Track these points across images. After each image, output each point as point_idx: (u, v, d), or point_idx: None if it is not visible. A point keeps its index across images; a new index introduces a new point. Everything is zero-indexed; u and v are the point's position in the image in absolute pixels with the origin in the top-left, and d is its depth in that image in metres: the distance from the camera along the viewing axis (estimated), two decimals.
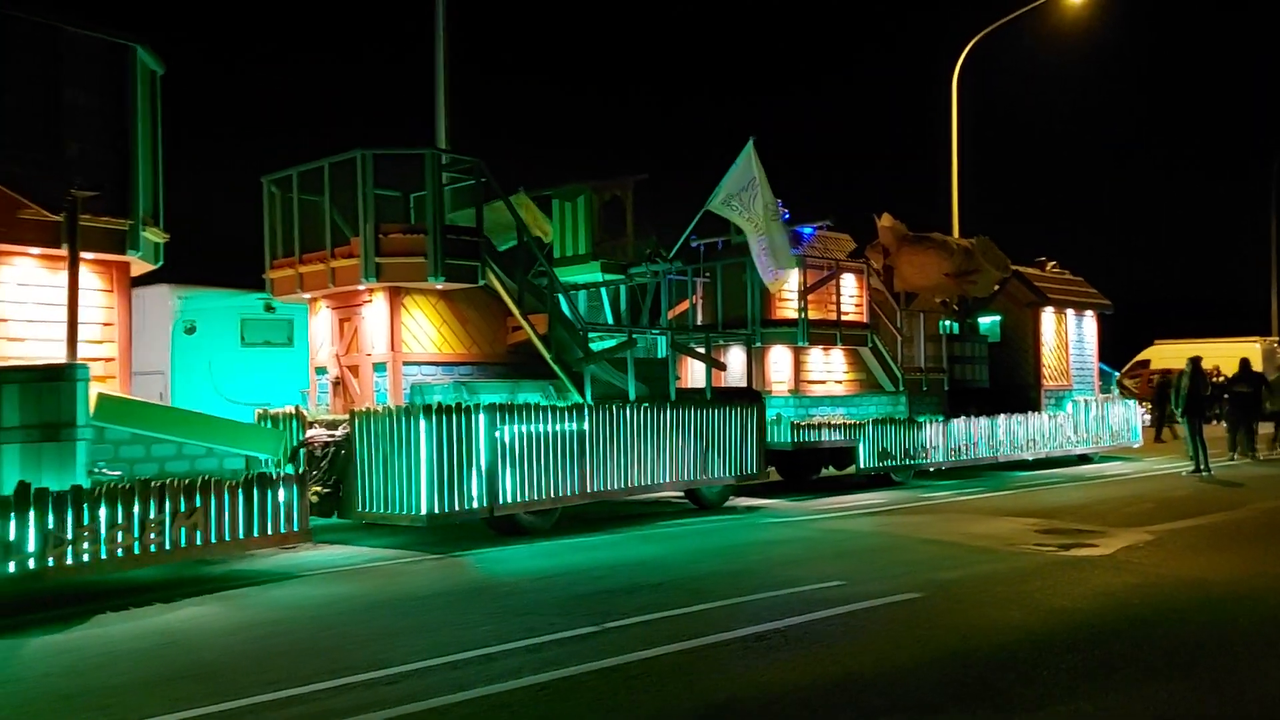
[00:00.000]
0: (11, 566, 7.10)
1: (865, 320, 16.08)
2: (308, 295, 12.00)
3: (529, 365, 12.22)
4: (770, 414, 14.23)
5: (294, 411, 11.73)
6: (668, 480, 12.45)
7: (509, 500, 10.92)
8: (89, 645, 6.48)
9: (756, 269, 14.32)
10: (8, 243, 7.68)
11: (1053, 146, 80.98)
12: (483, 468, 10.68)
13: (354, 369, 11.79)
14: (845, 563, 8.90)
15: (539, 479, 11.17)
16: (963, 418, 16.67)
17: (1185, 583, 7.85)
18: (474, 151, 11.84)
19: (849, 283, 16.00)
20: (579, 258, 14.18)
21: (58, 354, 8.12)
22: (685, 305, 15.87)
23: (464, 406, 10.61)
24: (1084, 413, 19.42)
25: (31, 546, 7.20)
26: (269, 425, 11.41)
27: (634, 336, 12.72)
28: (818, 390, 15.72)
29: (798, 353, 15.38)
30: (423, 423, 10.27)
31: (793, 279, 14.93)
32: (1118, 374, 27.43)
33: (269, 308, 14.53)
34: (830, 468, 16.21)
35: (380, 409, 10.70)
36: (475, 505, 10.62)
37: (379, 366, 11.51)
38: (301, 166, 11.60)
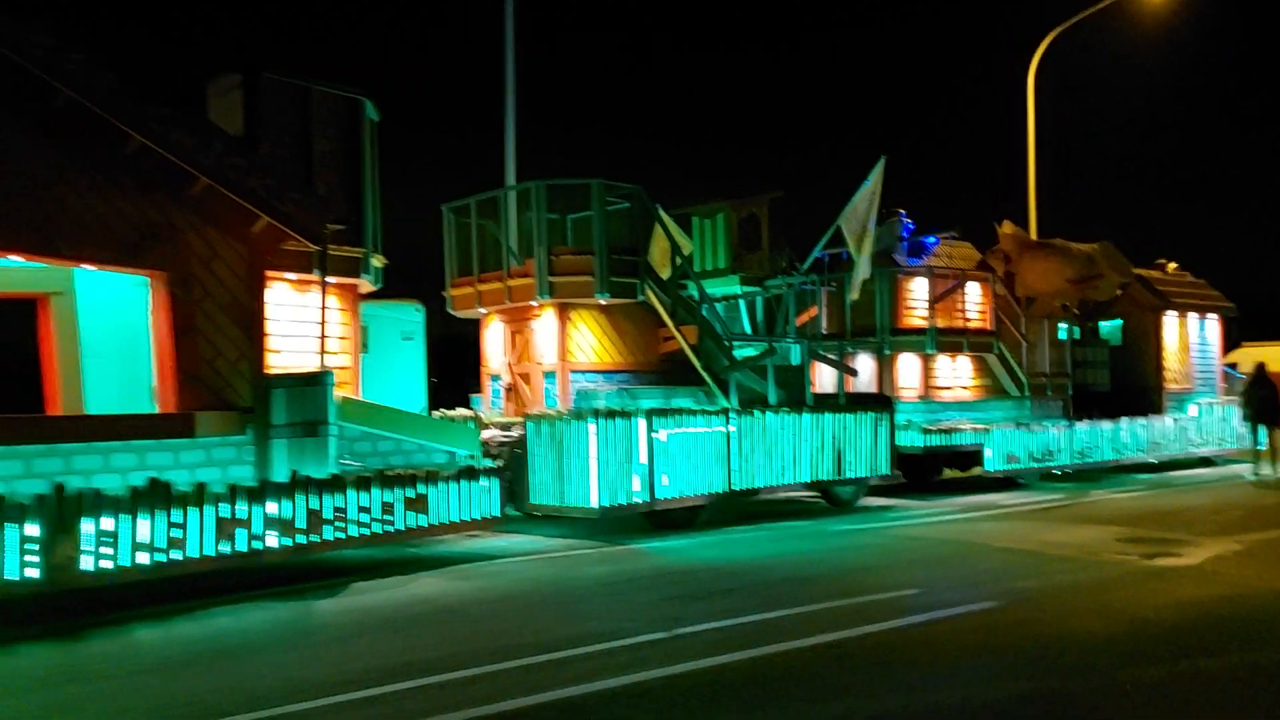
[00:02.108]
0: (290, 541, 8.50)
1: (990, 327, 16.75)
2: (484, 310, 13.38)
3: (678, 372, 13.35)
4: (899, 419, 15.03)
5: (471, 414, 13.09)
6: (805, 480, 13.39)
7: (665, 496, 12.01)
8: (365, 608, 7.83)
9: (874, 278, 15.16)
10: (273, 269, 9.14)
11: (1141, 139, 78.40)
12: (643, 466, 11.80)
13: (525, 376, 13.11)
14: (936, 569, 9.01)
15: (691, 477, 12.23)
16: (1085, 421, 17.17)
17: (1278, 595, 7.63)
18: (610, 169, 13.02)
19: (974, 291, 16.70)
20: (718, 271, 15.29)
21: (305, 363, 9.58)
22: (812, 313, 16.78)
23: (626, 411, 11.75)
24: (1206, 416, 19.62)
25: (300, 524, 8.60)
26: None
27: (774, 345, 13.72)
28: (945, 395, 16.45)
29: (925, 359, 16.15)
30: (591, 425, 11.43)
31: (921, 288, 15.73)
32: (1243, 375, 27.16)
33: None
34: (955, 470, 16.88)
35: (552, 413, 11.93)
36: (637, 500, 11.74)
37: (549, 374, 12.78)
38: (479, 196, 13.00)
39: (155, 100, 8.07)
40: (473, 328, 14.55)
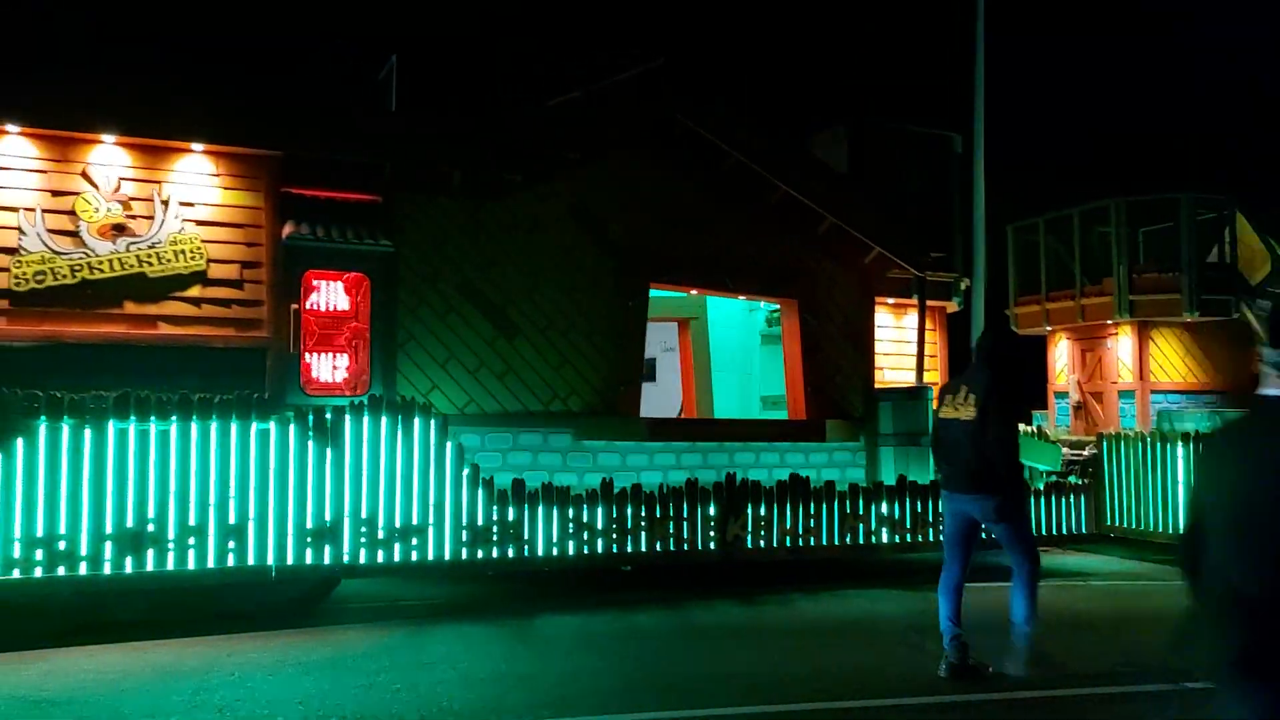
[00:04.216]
0: (897, 538, 9.47)
1: None
2: (1049, 328, 13.47)
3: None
4: None
5: (1036, 431, 13.20)
6: None
7: None
8: (981, 606, 8.46)
9: None
10: (881, 295, 10.24)
11: None
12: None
13: (1097, 395, 12.93)
14: None
15: None
16: None
17: None
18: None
19: None
20: None
21: (901, 379, 10.54)
22: None
23: None
24: None
25: (906, 524, 9.52)
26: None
27: None
28: None
29: None
30: (1180, 449, 10.96)
31: None
32: None
33: None
34: None
35: (1131, 433, 11.63)
36: None
37: (1125, 393, 12.48)
38: (1047, 215, 13.14)
39: (790, 152, 9.56)
40: None
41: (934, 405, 6.21)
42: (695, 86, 9.11)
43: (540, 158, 8.55)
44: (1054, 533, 10.27)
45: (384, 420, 7.63)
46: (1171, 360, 12.30)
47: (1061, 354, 13.51)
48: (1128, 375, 12.34)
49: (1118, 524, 11.72)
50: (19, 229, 7.17)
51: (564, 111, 8.71)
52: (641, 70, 8.89)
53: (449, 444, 7.77)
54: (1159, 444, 11.22)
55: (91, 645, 6.48)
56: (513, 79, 8.77)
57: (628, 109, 8.89)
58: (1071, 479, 10.79)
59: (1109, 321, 12.29)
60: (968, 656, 5.75)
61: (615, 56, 8.98)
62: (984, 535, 6.46)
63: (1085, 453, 12.16)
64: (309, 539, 7.35)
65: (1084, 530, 10.38)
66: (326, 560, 7.38)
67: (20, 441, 6.63)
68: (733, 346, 11.67)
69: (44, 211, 7.24)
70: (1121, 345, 12.43)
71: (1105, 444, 11.87)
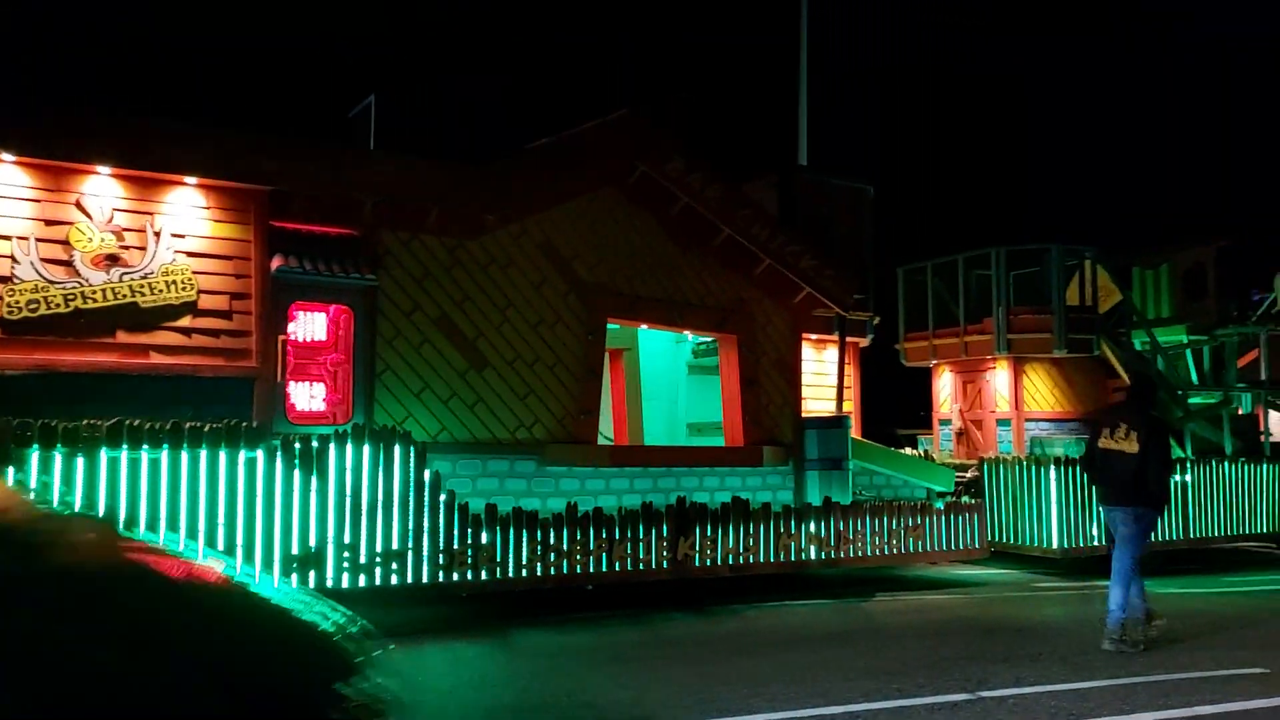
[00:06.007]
0: (822, 554, 10.38)
1: None
2: (935, 362, 14.83)
3: None
4: None
5: (922, 455, 14.50)
6: (1267, 530, 13.37)
7: None
8: (902, 611, 9.44)
9: None
10: (806, 331, 11.19)
11: None
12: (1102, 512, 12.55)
13: (977, 423, 14.34)
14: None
15: None
16: None
17: None
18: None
19: None
20: (1160, 321, 15.57)
21: (820, 408, 11.51)
22: (1252, 355, 16.39)
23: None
24: None
25: (830, 541, 10.45)
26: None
27: (1229, 395, 13.87)
28: None
29: None
30: (1052, 472, 12.40)
31: None
32: None
33: None
34: None
35: (1008, 458, 13.03)
36: (1095, 543, 12.50)
37: (1002, 421, 13.92)
38: (935, 260, 14.51)
39: (734, 199, 10.38)
40: None
41: (1090, 436, 7.43)
42: (652, 135, 9.81)
43: (513, 198, 9.04)
44: (952, 548, 11.44)
45: (365, 449, 7.92)
46: (1042, 391, 13.84)
47: (945, 385, 14.91)
48: (1004, 405, 13.79)
49: (998, 539, 13.07)
50: (12, 257, 7.11)
51: (536, 155, 9.22)
52: (605, 119, 9.51)
53: (426, 471, 8.13)
54: (1034, 467, 12.62)
55: None
56: (486, 123, 9.22)
57: (592, 156, 9.50)
58: (965, 499, 12.02)
59: (989, 356, 13.73)
60: (1125, 634, 7.22)
61: (583, 104, 9.57)
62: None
63: (968, 475, 13.48)
64: (294, 564, 7.56)
65: (976, 545, 11.60)
66: (311, 584, 7.60)
67: (11, 470, 6.60)
68: (661, 376, 12.38)
69: (37, 240, 7.21)
70: (999, 378, 13.89)
71: (986, 467, 13.22)
